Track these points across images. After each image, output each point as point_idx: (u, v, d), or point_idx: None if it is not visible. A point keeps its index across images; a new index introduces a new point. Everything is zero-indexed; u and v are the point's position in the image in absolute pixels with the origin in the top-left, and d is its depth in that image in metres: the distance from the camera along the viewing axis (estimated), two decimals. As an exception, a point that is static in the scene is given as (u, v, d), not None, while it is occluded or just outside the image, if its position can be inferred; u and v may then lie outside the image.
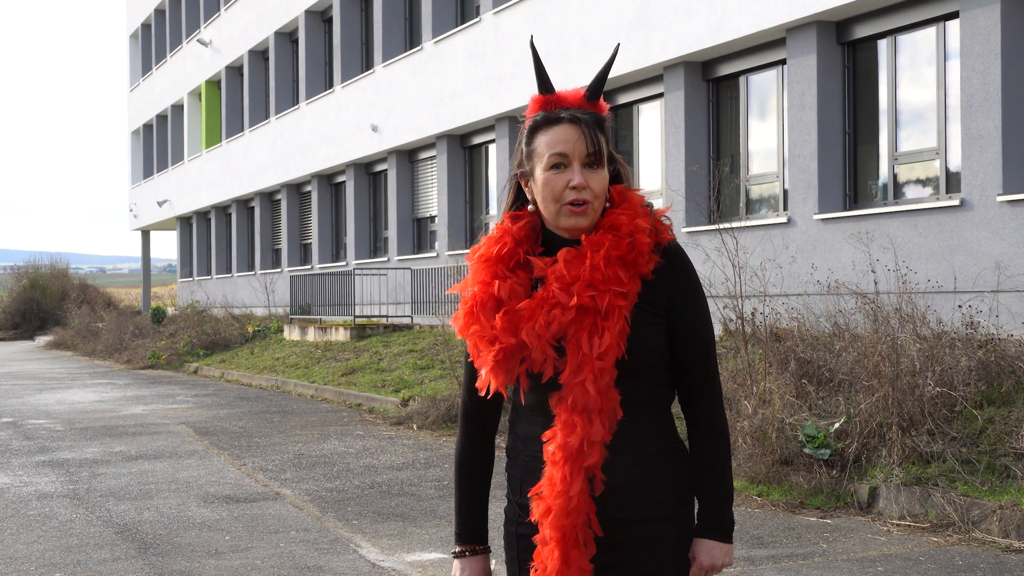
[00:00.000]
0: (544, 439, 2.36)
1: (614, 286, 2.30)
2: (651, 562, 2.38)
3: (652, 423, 2.40)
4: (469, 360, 2.46)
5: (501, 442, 2.63)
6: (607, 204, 2.40)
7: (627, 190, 2.42)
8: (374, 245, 24.75)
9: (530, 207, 2.44)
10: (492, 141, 19.59)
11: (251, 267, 31.73)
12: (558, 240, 2.41)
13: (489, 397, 2.43)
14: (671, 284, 2.39)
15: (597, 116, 2.41)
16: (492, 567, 2.57)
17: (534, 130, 2.41)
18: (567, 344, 2.31)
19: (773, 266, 11.77)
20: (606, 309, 2.29)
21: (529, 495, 2.38)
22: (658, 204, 2.47)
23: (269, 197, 30.63)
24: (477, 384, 2.43)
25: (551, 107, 2.41)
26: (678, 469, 2.43)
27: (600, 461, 2.31)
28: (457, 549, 2.55)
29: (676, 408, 2.51)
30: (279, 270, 28.93)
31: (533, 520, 2.37)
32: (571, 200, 2.34)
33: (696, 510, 2.47)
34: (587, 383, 2.28)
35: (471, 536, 2.54)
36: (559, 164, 2.36)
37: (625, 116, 16.06)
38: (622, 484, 2.35)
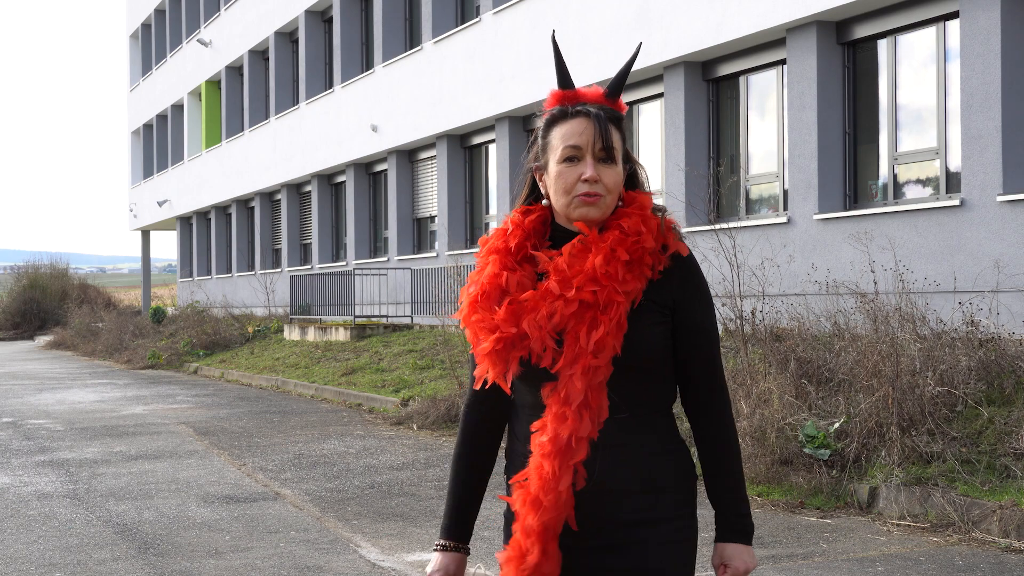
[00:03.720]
0: (533, 429, 2.35)
1: (616, 283, 2.31)
2: (653, 564, 2.37)
3: (654, 422, 2.39)
4: (473, 356, 2.46)
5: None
6: (619, 204, 2.41)
7: (639, 193, 2.43)
8: (374, 245, 24.75)
9: (544, 201, 2.46)
10: (492, 141, 19.59)
11: (251, 267, 31.73)
12: (566, 234, 2.42)
13: (487, 387, 2.42)
14: (678, 284, 2.39)
15: (614, 113, 2.42)
16: (475, 569, 2.57)
17: (550, 124, 2.43)
18: (566, 337, 2.31)
19: (772, 266, 11.77)
20: (604, 303, 2.30)
21: (511, 481, 2.38)
22: (660, 203, 2.45)
23: (269, 197, 30.63)
24: (475, 373, 2.42)
25: (569, 102, 2.43)
26: (679, 469, 2.42)
27: (584, 457, 2.31)
28: (438, 543, 2.55)
29: (677, 407, 2.51)
30: (279, 270, 28.94)
31: (514, 508, 2.36)
32: (583, 192, 2.35)
33: (700, 512, 2.46)
34: (575, 377, 2.29)
35: (451, 533, 2.54)
36: (572, 157, 2.37)
37: (625, 116, 16.04)
38: (623, 484, 2.34)
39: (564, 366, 2.30)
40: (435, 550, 2.55)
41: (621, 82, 2.46)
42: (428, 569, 2.53)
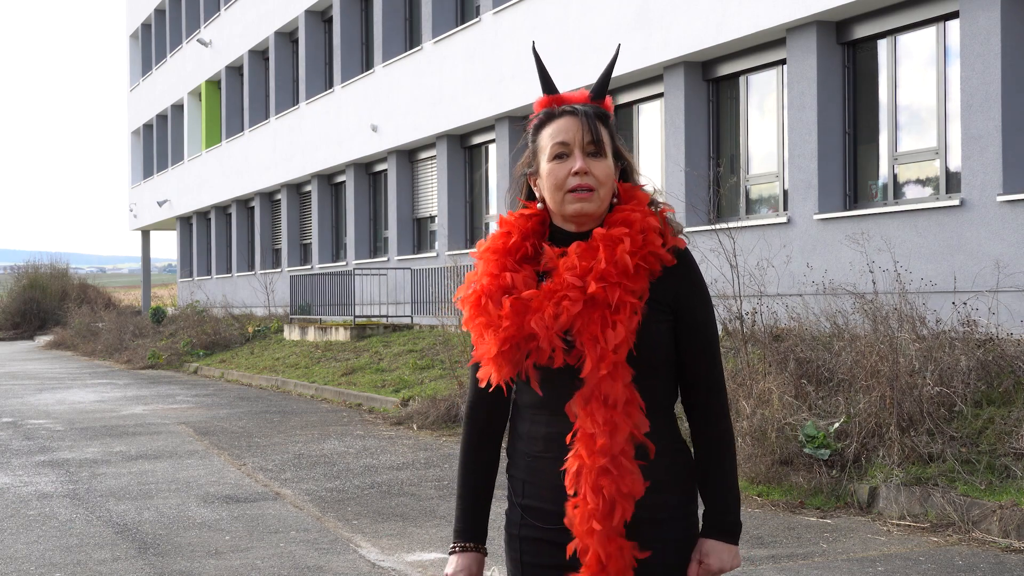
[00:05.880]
0: (568, 441, 2.32)
1: (626, 280, 2.30)
2: (655, 562, 2.37)
3: (657, 422, 2.38)
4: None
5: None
6: (614, 200, 2.40)
7: (633, 187, 2.43)
8: (374, 245, 24.75)
9: (539, 205, 2.45)
10: (492, 141, 19.60)
11: (251, 267, 31.74)
12: (565, 234, 2.41)
13: (491, 390, 2.40)
14: (679, 283, 2.39)
15: (598, 109, 2.43)
16: (491, 572, 2.55)
17: (538, 128, 2.44)
18: (579, 338, 2.29)
19: (772, 266, 11.77)
20: (617, 303, 2.29)
21: (568, 505, 2.33)
22: (660, 201, 2.45)
23: (269, 197, 30.63)
24: (478, 375, 2.40)
25: (555, 106, 2.44)
26: (682, 469, 2.42)
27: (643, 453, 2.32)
28: (452, 546, 2.53)
29: (678, 407, 2.51)
30: (279, 270, 28.94)
31: (574, 524, 2.33)
32: (574, 186, 2.35)
33: (701, 511, 2.46)
34: (608, 378, 2.27)
35: (467, 535, 2.52)
36: (561, 154, 2.38)
37: (625, 116, 16.05)
38: None
39: (592, 370, 2.28)
40: (452, 552, 2.52)
41: (605, 82, 2.47)
42: (448, 570, 2.50)
